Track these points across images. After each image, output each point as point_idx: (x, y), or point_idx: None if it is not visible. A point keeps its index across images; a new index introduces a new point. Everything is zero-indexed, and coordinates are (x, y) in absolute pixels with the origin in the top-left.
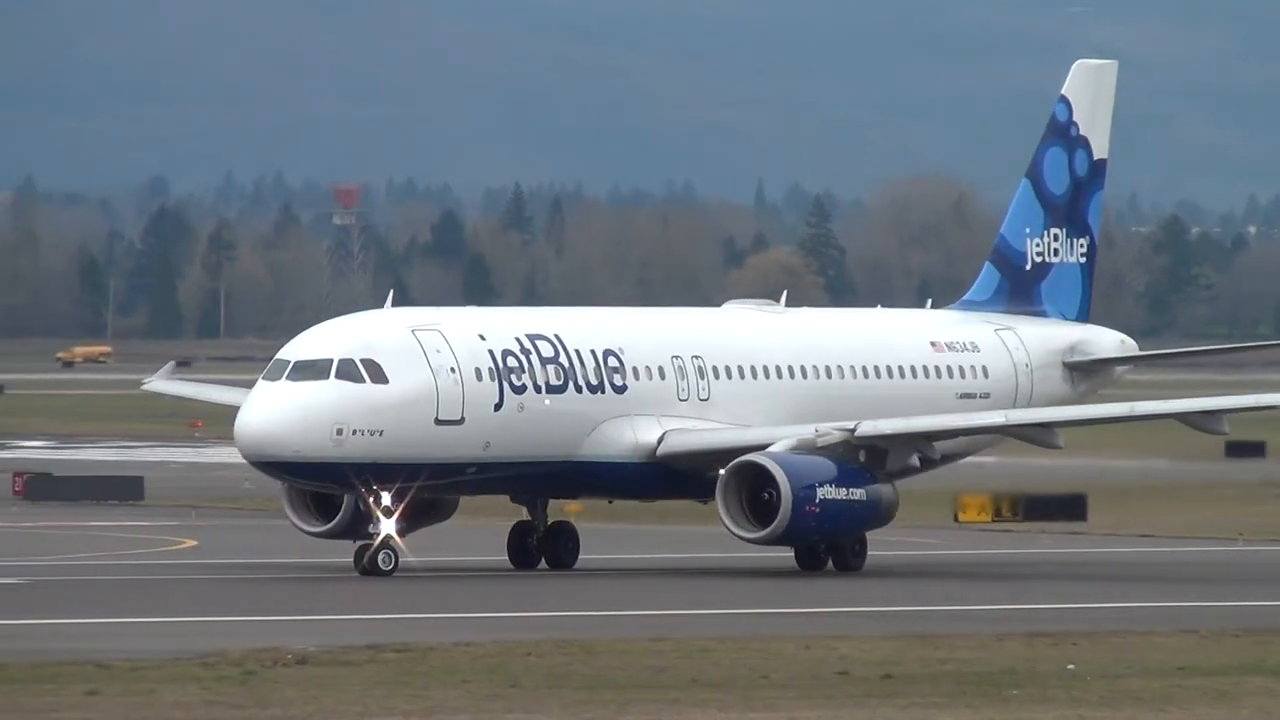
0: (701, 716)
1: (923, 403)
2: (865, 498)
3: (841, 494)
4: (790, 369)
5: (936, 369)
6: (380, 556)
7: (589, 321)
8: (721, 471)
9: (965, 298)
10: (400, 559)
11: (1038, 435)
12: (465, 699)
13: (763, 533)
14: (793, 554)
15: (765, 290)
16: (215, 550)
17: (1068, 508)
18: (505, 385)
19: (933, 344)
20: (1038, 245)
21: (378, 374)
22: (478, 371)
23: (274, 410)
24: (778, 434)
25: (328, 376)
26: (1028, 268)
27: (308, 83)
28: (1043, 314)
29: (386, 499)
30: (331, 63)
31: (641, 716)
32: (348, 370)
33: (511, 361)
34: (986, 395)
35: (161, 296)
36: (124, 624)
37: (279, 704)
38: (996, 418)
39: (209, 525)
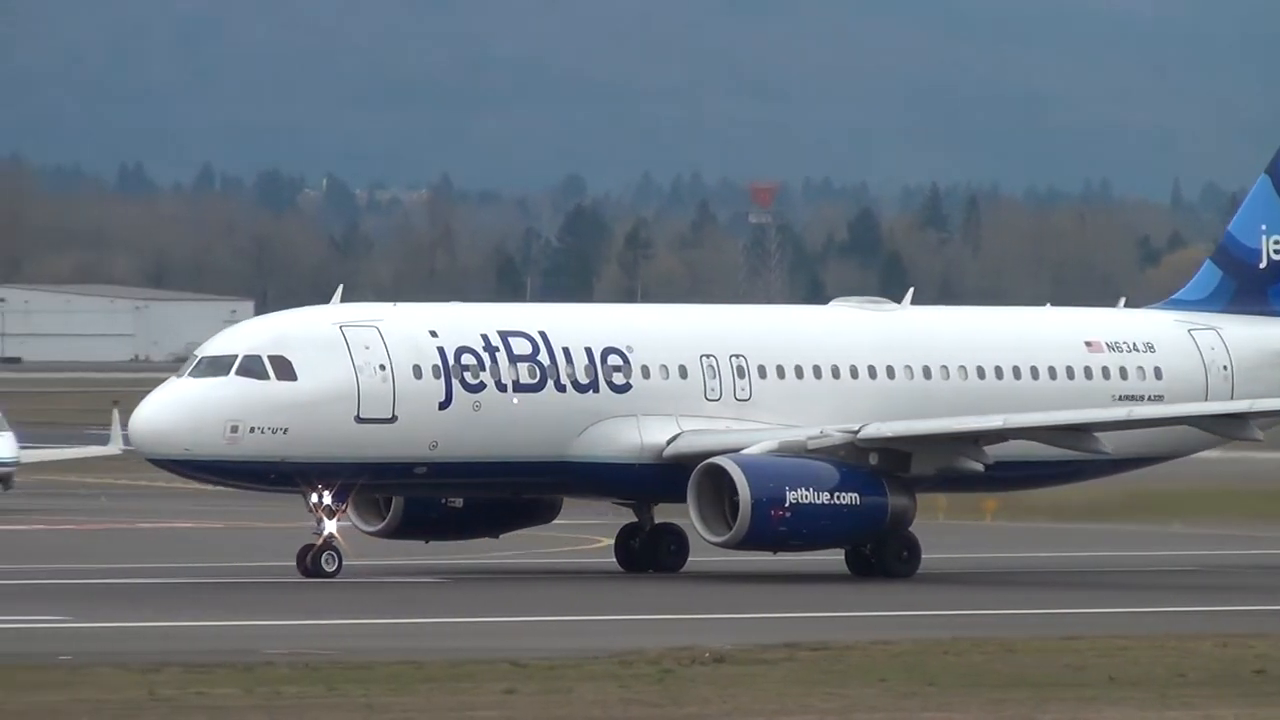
0: (1118, 714)
1: (1060, 405)
2: (858, 502)
3: (823, 498)
4: (871, 369)
5: (1087, 369)
6: (324, 557)
7: (588, 318)
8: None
9: (1174, 296)
10: (344, 560)
11: (1229, 430)
12: (882, 697)
13: (725, 536)
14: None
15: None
16: None
17: None
18: (456, 383)
19: (1088, 344)
20: (1276, 243)
21: (285, 370)
22: (416, 369)
23: (166, 407)
24: (781, 435)
25: (228, 373)
26: (1261, 266)
27: (722, 82)
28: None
29: (328, 498)
30: (745, 62)
31: (1059, 715)
32: (250, 366)
33: (467, 359)
34: (1159, 397)
35: (578, 295)
36: (541, 622)
37: (695, 702)
38: (995, 421)
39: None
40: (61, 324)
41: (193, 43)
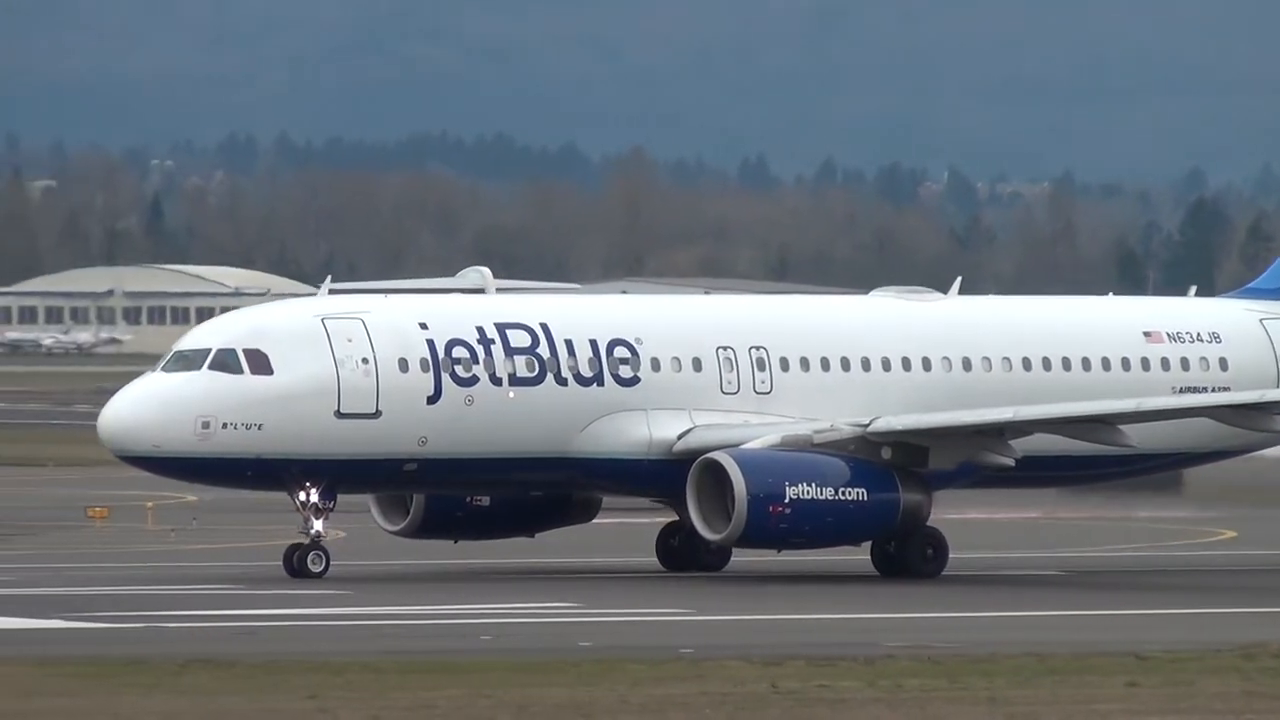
0: None
1: (1114, 397)
2: (865, 498)
3: (826, 494)
4: (905, 361)
5: (1145, 360)
6: (310, 558)
7: (593, 310)
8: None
9: (1250, 285)
10: (331, 561)
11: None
12: None
13: (723, 534)
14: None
15: None
16: (1255, 541)
17: None
18: (446, 376)
19: (1146, 334)
20: None
21: (261, 364)
22: (403, 362)
23: (135, 402)
24: (785, 429)
25: (200, 367)
26: None
27: None
28: None
29: (314, 497)
30: None
31: None
32: (224, 360)
33: (459, 352)
34: (1224, 388)
35: (1200, 289)
36: (1163, 615)
37: None
38: (1006, 413)
39: (1250, 517)
40: None
41: (818, 35)
